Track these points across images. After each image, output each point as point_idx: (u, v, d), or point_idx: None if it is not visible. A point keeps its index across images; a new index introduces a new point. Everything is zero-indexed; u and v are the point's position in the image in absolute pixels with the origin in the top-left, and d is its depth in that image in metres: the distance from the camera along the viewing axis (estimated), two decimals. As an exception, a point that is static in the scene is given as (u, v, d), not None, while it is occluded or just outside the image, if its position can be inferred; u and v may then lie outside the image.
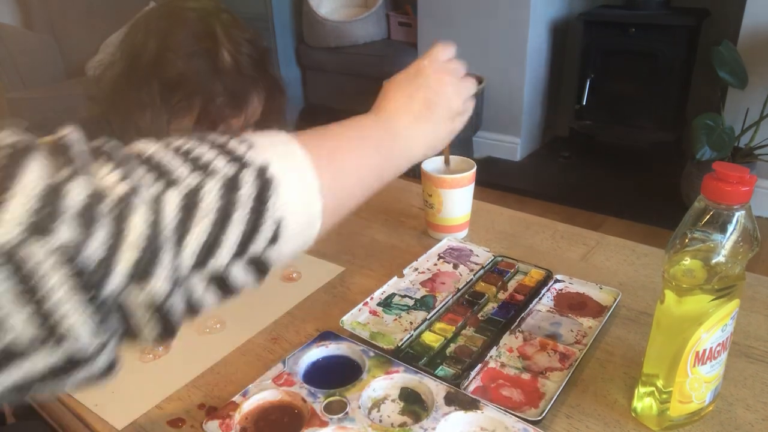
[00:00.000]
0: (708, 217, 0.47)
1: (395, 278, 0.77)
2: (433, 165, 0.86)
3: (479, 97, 2.65)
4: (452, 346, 0.65)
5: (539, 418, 0.53)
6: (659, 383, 0.52)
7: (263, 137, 0.40)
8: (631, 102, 2.62)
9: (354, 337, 0.65)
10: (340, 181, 0.44)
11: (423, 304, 0.72)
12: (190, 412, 0.58)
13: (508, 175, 2.74)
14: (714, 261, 0.47)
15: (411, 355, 0.63)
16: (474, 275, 0.76)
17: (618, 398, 0.57)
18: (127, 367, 0.65)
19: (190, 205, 0.33)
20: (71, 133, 0.33)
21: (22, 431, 0.65)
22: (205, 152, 0.36)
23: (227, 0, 0.98)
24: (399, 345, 0.64)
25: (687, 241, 0.48)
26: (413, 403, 0.57)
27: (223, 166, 0.35)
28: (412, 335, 0.66)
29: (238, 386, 0.59)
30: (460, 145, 2.72)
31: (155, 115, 0.79)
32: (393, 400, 0.57)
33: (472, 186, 0.85)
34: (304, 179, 0.39)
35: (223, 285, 0.36)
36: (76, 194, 0.29)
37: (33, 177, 0.28)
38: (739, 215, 0.46)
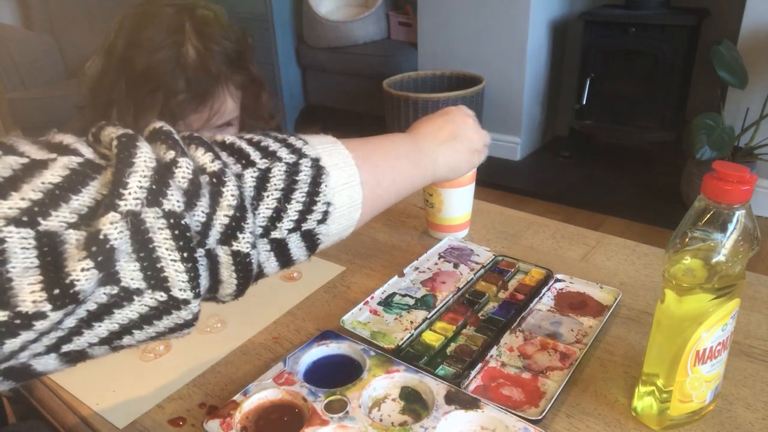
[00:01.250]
0: (708, 216, 0.47)
1: (396, 277, 0.77)
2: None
3: (479, 96, 2.65)
4: (453, 346, 0.65)
5: (540, 417, 0.54)
6: (659, 382, 0.52)
7: (315, 137, 0.47)
8: (631, 102, 2.62)
9: (354, 337, 0.65)
10: (377, 178, 0.50)
11: (423, 303, 0.72)
12: (191, 411, 0.58)
13: (508, 175, 2.74)
14: (714, 260, 0.47)
15: (411, 355, 0.63)
16: (474, 275, 0.77)
17: (618, 397, 0.57)
18: (128, 366, 0.65)
19: (262, 182, 0.41)
20: (164, 126, 0.39)
21: (24, 431, 0.65)
22: (271, 143, 0.43)
23: (227, 0, 0.98)
24: (399, 344, 0.64)
25: (687, 240, 0.48)
26: (414, 403, 0.57)
27: (285, 155, 0.43)
28: (413, 334, 0.66)
29: (238, 385, 0.59)
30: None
31: (122, 113, 0.79)
32: (393, 400, 0.57)
33: (473, 185, 0.85)
34: (349, 172, 0.46)
35: (282, 253, 0.43)
36: (182, 170, 0.36)
37: (145, 158, 0.34)
38: (739, 214, 0.46)
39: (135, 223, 0.32)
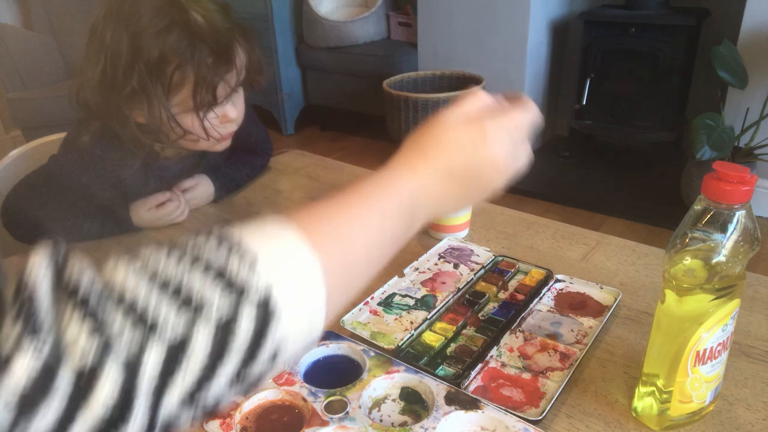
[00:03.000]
0: (708, 216, 0.47)
1: (396, 278, 0.77)
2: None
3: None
4: (453, 346, 0.65)
5: (540, 417, 0.54)
6: (660, 383, 0.52)
7: (267, 240, 0.35)
8: (631, 102, 2.62)
9: (354, 337, 0.65)
10: (349, 276, 0.40)
11: (423, 303, 0.72)
12: (191, 411, 0.58)
13: (508, 175, 2.74)
14: (714, 260, 0.47)
15: (411, 355, 0.63)
16: (474, 275, 0.77)
17: (618, 398, 0.57)
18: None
19: (174, 357, 0.29)
20: (36, 272, 0.29)
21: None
22: (198, 282, 0.31)
23: (227, 0, 0.98)
24: (399, 344, 0.64)
25: (687, 240, 0.48)
26: (414, 403, 0.57)
27: (217, 302, 0.31)
28: (413, 335, 0.66)
29: (238, 386, 0.59)
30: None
31: (150, 97, 0.79)
32: (393, 400, 0.57)
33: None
34: (312, 296, 0.35)
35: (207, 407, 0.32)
36: (20, 366, 0.26)
37: None
38: (739, 215, 0.46)
39: None
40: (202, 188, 1.00)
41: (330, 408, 0.55)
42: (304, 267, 0.35)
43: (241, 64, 0.84)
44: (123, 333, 0.28)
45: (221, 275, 0.32)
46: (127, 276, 0.31)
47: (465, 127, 0.47)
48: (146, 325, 0.29)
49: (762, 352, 0.62)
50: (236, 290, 0.31)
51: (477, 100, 0.50)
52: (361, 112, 3.23)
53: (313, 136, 3.44)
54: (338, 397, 0.56)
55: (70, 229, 0.90)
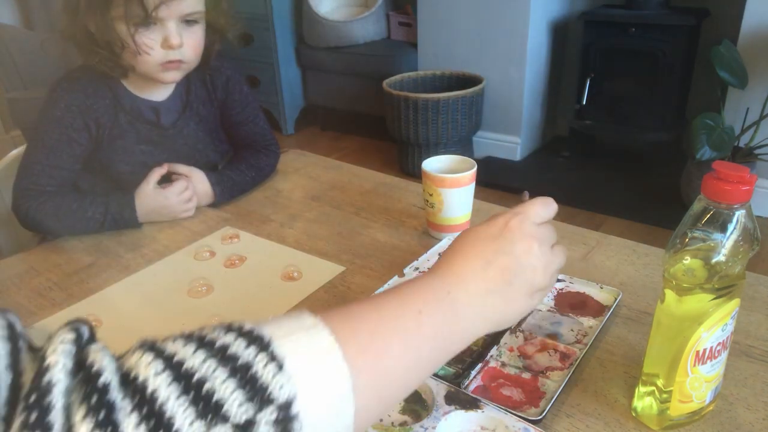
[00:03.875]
0: (708, 216, 0.47)
1: (396, 277, 0.77)
2: (433, 164, 0.86)
3: (479, 96, 2.65)
4: (453, 346, 0.65)
5: (540, 417, 0.54)
6: (659, 383, 0.52)
7: (299, 342, 0.34)
8: (631, 102, 2.62)
9: (354, 337, 0.65)
10: (382, 394, 0.37)
11: (423, 303, 0.72)
12: (191, 411, 0.58)
13: (508, 175, 2.74)
14: (714, 260, 0.47)
15: (411, 355, 0.63)
16: (474, 275, 0.76)
17: (618, 398, 0.57)
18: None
19: None
20: (55, 363, 0.29)
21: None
22: (219, 385, 0.30)
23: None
24: (399, 344, 0.64)
25: (687, 240, 0.48)
26: (413, 402, 0.57)
27: (236, 408, 0.30)
28: (413, 335, 0.66)
29: (238, 385, 0.59)
30: (461, 144, 2.72)
31: (89, 6, 0.85)
32: (393, 400, 0.57)
33: (473, 185, 0.85)
34: (338, 412, 0.33)
35: None
36: None
37: None
38: (739, 214, 0.46)
39: None
40: (197, 180, 0.99)
41: (330, 408, 0.55)
42: (334, 378, 0.33)
43: None
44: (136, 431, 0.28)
45: (245, 377, 0.31)
46: (149, 370, 0.30)
47: (489, 225, 0.48)
48: (161, 427, 0.28)
49: (762, 352, 0.62)
50: (259, 394, 0.30)
51: (494, 215, 0.51)
52: (361, 112, 3.23)
53: (313, 136, 3.44)
54: (338, 397, 0.56)
55: (75, 211, 0.91)
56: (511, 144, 2.86)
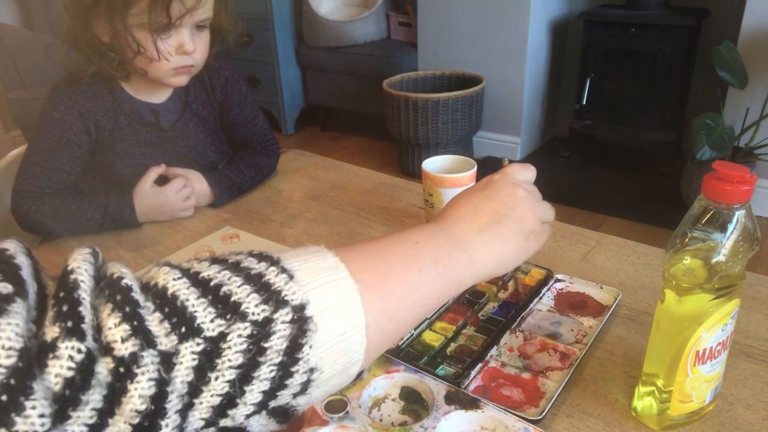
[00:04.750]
0: (708, 216, 0.47)
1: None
2: (433, 164, 0.86)
3: (479, 96, 2.65)
4: (453, 346, 0.65)
5: (540, 417, 0.54)
6: (659, 383, 0.52)
7: (307, 261, 0.35)
8: (631, 102, 2.62)
9: (354, 337, 0.65)
10: (389, 311, 0.38)
11: (423, 303, 0.72)
12: (191, 411, 0.58)
13: (508, 175, 2.74)
14: (714, 260, 0.47)
15: (411, 355, 0.63)
16: (474, 275, 0.76)
17: (618, 398, 0.57)
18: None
19: (207, 361, 0.30)
20: (78, 267, 0.30)
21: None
22: (235, 288, 0.32)
23: None
24: (399, 344, 0.64)
25: (687, 240, 0.48)
26: (414, 403, 0.57)
27: (254, 308, 0.31)
28: (413, 334, 0.66)
29: (238, 385, 0.59)
30: (461, 144, 2.72)
31: (109, 12, 0.84)
32: (393, 399, 0.57)
33: (473, 185, 0.85)
34: (349, 316, 0.34)
35: None
36: (59, 363, 0.26)
37: (5, 341, 0.25)
38: (739, 214, 0.46)
39: None
40: (195, 180, 0.99)
41: (330, 407, 0.55)
42: (342, 289, 0.35)
43: None
44: (161, 329, 0.29)
45: (259, 283, 0.32)
46: (168, 277, 0.32)
47: (475, 185, 0.52)
48: (184, 322, 0.30)
49: (762, 352, 0.62)
50: (274, 297, 0.32)
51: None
52: (361, 112, 3.23)
53: (313, 136, 3.44)
54: (338, 397, 0.56)
55: (74, 212, 0.91)
56: (511, 144, 2.86)
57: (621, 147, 2.88)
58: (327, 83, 3.29)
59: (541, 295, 0.72)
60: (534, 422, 0.53)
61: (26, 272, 0.30)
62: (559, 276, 0.75)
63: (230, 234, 0.90)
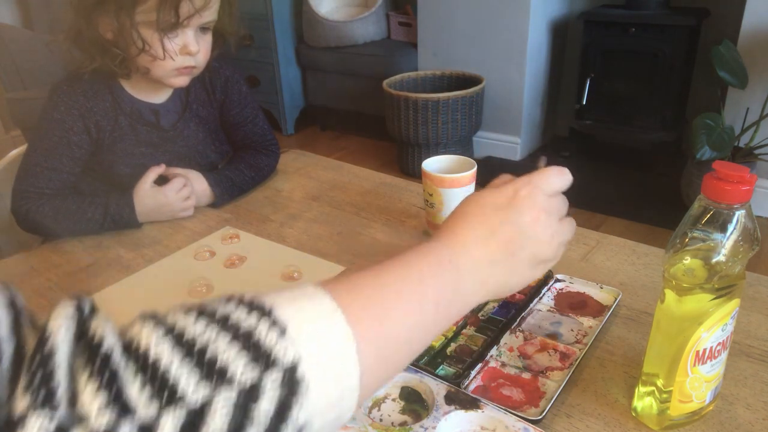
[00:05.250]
0: (708, 216, 0.47)
1: (396, 278, 0.77)
2: (433, 164, 0.86)
3: (479, 96, 2.65)
4: (453, 346, 0.65)
5: (540, 417, 0.54)
6: (659, 383, 0.52)
7: (301, 310, 0.33)
8: (631, 102, 2.62)
9: (354, 337, 0.65)
10: (386, 356, 0.37)
11: (423, 303, 0.72)
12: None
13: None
14: (714, 260, 0.47)
15: (411, 355, 0.63)
16: (474, 275, 0.76)
17: (618, 398, 0.57)
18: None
19: (193, 422, 0.28)
20: (58, 328, 0.29)
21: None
22: (222, 349, 0.30)
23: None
24: (399, 344, 0.64)
25: (687, 240, 0.48)
26: (414, 402, 0.57)
27: (241, 371, 0.29)
28: (413, 335, 0.66)
29: (238, 385, 0.59)
30: (461, 144, 2.72)
31: (118, 8, 0.84)
32: (393, 399, 0.57)
33: (473, 185, 0.85)
34: (343, 372, 0.33)
35: None
36: (32, 427, 0.25)
37: None
38: (739, 214, 0.46)
39: None
40: (195, 180, 0.99)
41: (330, 408, 0.55)
42: (337, 340, 0.33)
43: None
44: (141, 397, 0.28)
45: (248, 342, 0.30)
46: (151, 337, 0.30)
47: (498, 192, 0.46)
48: (166, 389, 0.28)
49: (762, 352, 0.62)
50: (263, 358, 0.30)
51: (503, 178, 0.50)
52: (361, 112, 3.23)
53: (313, 136, 3.44)
54: (338, 397, 0.56)
55: (74, 213, 0.91)
56: (511, 144, 2.86)
57: (621, 147, 2.88)
58: (327, 83, 3.29)
59: (541, 295, 0.72)
60: (534, 422, 0.53)
61: (4, 329, 0.29)
62: (559, 276, 0.75)
63: (230, 234, 0.90)
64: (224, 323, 0.31)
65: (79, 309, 0.31)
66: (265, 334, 0.31)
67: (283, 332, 0.31)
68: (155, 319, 0.32)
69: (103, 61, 0.90)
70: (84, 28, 0.87)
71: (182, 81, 0.94)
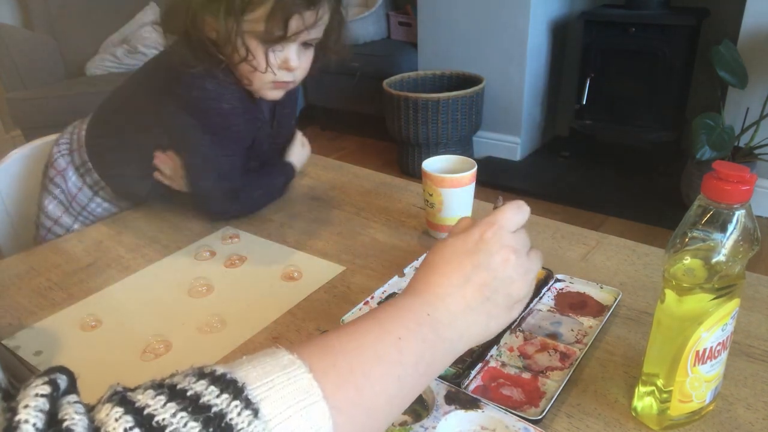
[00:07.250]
0: (708, 216, 0.47)
1: (396, 277, 0.77)
2: (433, 164, 0.86)
3: (479, 96, 2.65)
4: (453, 346, 0.65)
5: (540, 417, 0.54)
6: (659, 382, 0.52)
7: (275, 386, 0.33)
8: (631, 102, 2.62)
9: (354, 337, 0.65)
10: (365, 425, 0.37)
11: (423, 303, 0.72)
12: (191, 411, 0.58)
13: (508, 175, 2.74)
14: (714, 260, 0.47)
15: (411, 355, 0.63)
16: (474, 275, 0.76)
17: (618, 397, 0.57)
18: (129, 366, 0.65)
19: None
20: (26, 419, 0.28)
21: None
22: (181, 428, 0.29)
23: None
24: (399, 344, 0.64)
25: (687, 240, 0.48)
26: (414, 402, 0.57)
27: None
28: (413, 335, 0.66)
29: (238, 385, 0.59)
30: (461, 144, 2.72)
31: (226, 12, 0.80)
32: (393, 400, 0.57)
33: (473, 185, 0.85)
34: None
35: None
36: None
37: None
38: (739, 214, 0.46)
39: None
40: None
41: (330, 408, 0.55)
42: (314, 419, 0.33)
43: (323, 13, 0.84)
44: None
45: (219, 427, 0.30)
46: (119, 425, 0.29)
47: (464, 237, 0.47)
48: None
49: (762, 352, 0.62)
50: None
51: (463, 222, 0.51)
52: (360, 112, 3.23)
53: (312, 136, 3.42)
54: (338, 397, 0.56)
55: (271, 186, 0.99)
56: (511, 144, 2.87)
57: (621, 147, 2.88)
58: (327, 83, 3.29)
59: (541, 295, 0.72)
60: (534, 422, 0.53)
61: None
62: (559, 276, 0.75)
63: (230, 234, 0.91)
64: (195, 405, 0.30)
65: (53, 390, 0.30)
66: (237, 416, 0.30)
67: (255, 414, 0.31)
68: (124, 402, 0.31)
69: (210, 63, 0.86)
70: (191, 29, 0.84)
71: (276, 95, 0.92)
